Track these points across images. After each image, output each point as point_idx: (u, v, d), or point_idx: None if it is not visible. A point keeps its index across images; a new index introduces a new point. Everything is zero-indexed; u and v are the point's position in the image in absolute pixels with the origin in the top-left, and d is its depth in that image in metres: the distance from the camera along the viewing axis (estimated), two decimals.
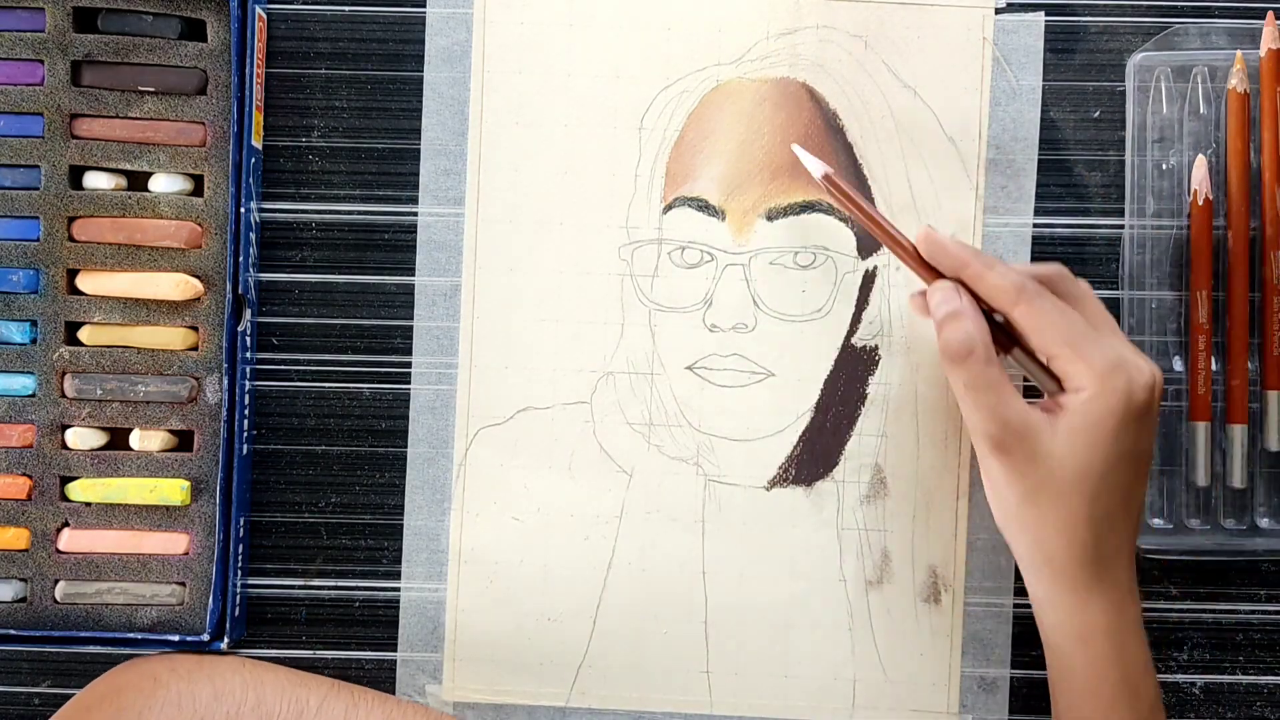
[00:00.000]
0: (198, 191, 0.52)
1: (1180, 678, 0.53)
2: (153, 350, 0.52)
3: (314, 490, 0.54)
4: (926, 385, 0.53)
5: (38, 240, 0.51)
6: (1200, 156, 0.52)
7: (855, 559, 0.53)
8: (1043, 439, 0.45)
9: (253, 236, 0.52)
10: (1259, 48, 0.51)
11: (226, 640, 0.51)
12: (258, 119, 0.52)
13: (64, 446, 0.52)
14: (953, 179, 0.53)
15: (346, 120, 0.54)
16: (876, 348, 0.53)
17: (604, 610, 0.53)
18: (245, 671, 0.48)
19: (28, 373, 0.52)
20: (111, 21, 0.51)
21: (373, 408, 0.54)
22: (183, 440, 0.52)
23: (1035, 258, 0.53)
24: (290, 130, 0.54)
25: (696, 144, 0.53)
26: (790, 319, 0.53)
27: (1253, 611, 0.53)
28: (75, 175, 0.52)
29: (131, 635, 0.51)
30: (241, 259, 0.51)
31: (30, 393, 0.52)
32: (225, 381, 0.51)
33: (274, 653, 0.53)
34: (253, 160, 0.52)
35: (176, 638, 0.50)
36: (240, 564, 0.52)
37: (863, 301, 0.53)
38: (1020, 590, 0.52)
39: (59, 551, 0.51)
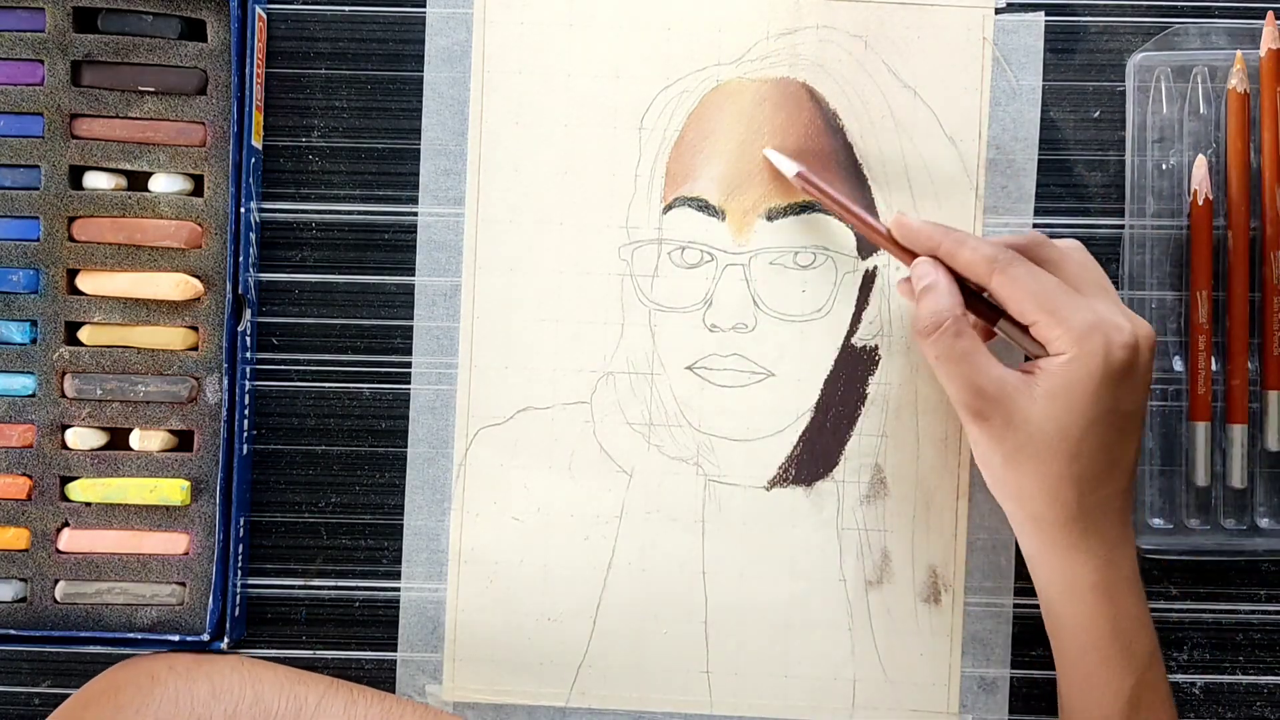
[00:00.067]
0: (198, 191, 0.52)
1: (1180, 678, 0.53)
2: (153, 350, 0.52)
3: (314, 490, 0.54)
4: (926, 385, 0.53)
5: (38, 240, 0.51)
6: (1200, 156, 0.52)
7: (855, 559, 0.53)
8: (1020, 403, 0.45)
9: (253, 236, 0.52)
10: (1259, 48, 0.51)
11: (226, 640, 0.51)
12: (258, 119, 0.52)
13: (64, 446, 0.52)
14: (952, 179, 0.53)
15: (346, 120, 0.54)
16: (876, 348, 0.53)
17: (604, 610, 0.53)
18: (243, 669, 0.48)
19: (28, 373, 0.52)
20: (111, 21, 0.51)
21: (373, 408, 0.54)
22: (183, 440, 0.52)
23: None
24: (290, 130, 0.54)
25: (696, 144, 0.53)
26: (790, 319, 0.53)
27: (1253, 611, 0.53)
28: (75, 175, 0.52)
29: (131, 635, 0.51)
30: (241, 259, 0.51)
31: (30, 393, 0.52)
32: (225, 381, 0.51)
33: (274, 653, 0.53)
34: (253, 160, 0.52)
35: (176, 638, 0.50)
36: (240, 564, 0.52)
37: (863, 301, 0.53)
38: (1020, 590, 0.52)
39: (59, 551, 0.51)
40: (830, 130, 0.53)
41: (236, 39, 0.51)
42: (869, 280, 0.53)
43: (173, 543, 0.52)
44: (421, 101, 0.53)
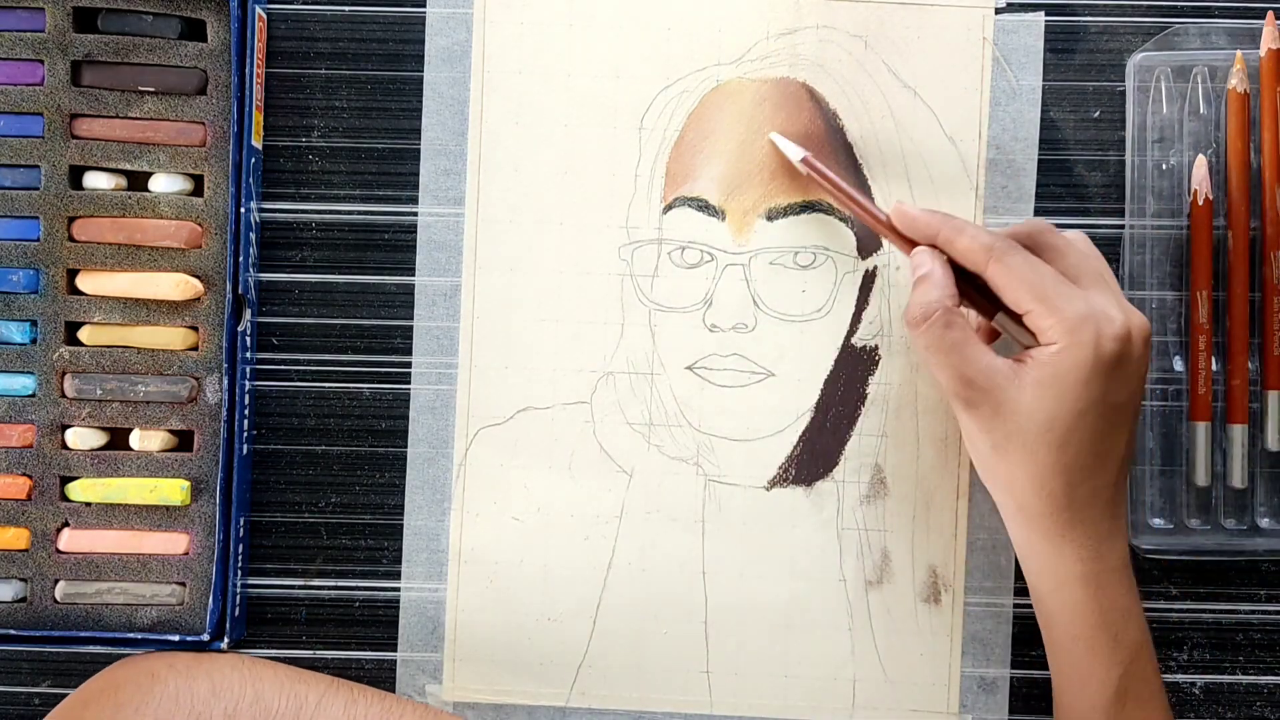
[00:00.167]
0: (198, 191, 0.52)
1: (1180, 678, 0.53)
2: (153, 350, 0.52)
3: (314, 490, 0.54)
4: (926, 385, 0.53)
5: (38, 240, 0.51)
6: (1200, 156, 0.52)
7: (855, 559, 0.53)
8: (1008, 392, 0.45)
9: (253, 236, 0.52)
10: (1259, 48, 0.51)
11: (227, 640, 0.51)
12: (258, 119, 0.52)
13: (64, 446, 0.52)
14: (953, 179, 0.53)
15: (346, 120, 0.54)
16: (876, 348, 0.53)
17: (604, 610, 0.53)
18: (244, 668, 0.48)
19: (28, 373, 0.52)
20: (111, 21, 0.51)
21: (373, 408, 0.54)
22: (183, 440, 0.52)
23: None
24: (290, 130, 0.54)
25: (696, 144, 0.53)
26: (790, 319, 0.53)
27: (1253, 611, 0.53)
28: (75, 175, 0.52)
29: (131, 635, 0.51)
30: (241, 259, 0.51)
31: (30, 393, 0.52)
32: (225, 381, 0.51)
33: (274, 653, 0.53)
34: (253, 160, 0.52)
35: (176, 638, 0.50)
36: (240, 564, 0.52)
37: (863, 301, 0.53)
38: (1020, 590, 0.52)
39: (59, 551, 0.51)
40: (830, 130, 0.53)
41: (236, 39, 0.51)
42: (869, 280, 0.53)
43: (173, 543, 0.52)
44: (421, 101, 0.53)
